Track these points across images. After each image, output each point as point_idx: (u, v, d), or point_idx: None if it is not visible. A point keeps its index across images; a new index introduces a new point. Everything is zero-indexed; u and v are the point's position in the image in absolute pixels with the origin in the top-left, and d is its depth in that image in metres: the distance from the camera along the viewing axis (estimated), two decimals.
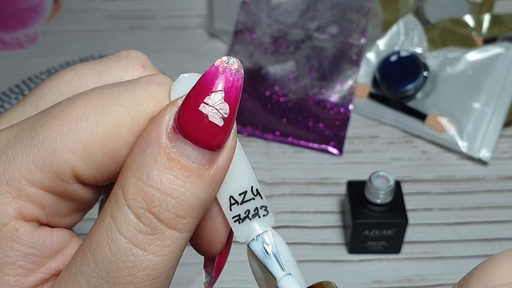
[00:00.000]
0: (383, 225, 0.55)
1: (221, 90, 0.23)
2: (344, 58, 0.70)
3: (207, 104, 0.23)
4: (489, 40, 0.72)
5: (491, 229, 0.60)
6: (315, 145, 0.66)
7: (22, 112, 0.26)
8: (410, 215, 0.58)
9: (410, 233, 0.58)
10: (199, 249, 0.27)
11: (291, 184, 0.63)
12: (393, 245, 0.57)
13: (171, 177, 0.23)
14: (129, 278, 0.23)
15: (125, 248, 0.22)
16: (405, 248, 0.58)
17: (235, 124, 0.24)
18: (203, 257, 0.57)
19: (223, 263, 0.28)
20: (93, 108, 0.24)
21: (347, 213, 0.57)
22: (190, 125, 0.23)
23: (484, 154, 0.64)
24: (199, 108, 0.23)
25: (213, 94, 0.23)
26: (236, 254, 0.59)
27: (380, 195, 0.54)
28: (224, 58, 0.23)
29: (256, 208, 0.26)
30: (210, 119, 0.23)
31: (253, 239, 0.26)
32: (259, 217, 0.27)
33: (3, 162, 0.23)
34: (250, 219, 0.26)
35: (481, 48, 0.68)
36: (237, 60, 0.23)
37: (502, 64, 0.67)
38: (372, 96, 0.69)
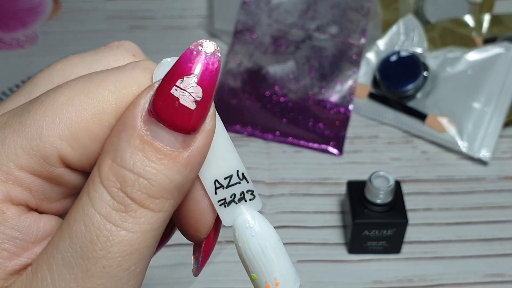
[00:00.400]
0: (383, 225, 0.55)
1: (193, 74, 0.23)
2: (344, 58, 0.70)
3: (178, 87, 0.23)
4: (489, 40, 0.72)
5: (491, 229, 0.60)
6: (315, 145, 0.66)
7: (16, 102, 0.27)
8: (410, 215, 0.58)
9: (410, 233, 0.58)
10: (186, 233, 0.27)
11: (291, 184, 0.63)
12: (393, 245, 0.57)
13: (143, 159, 0.23)
14: (102, 252, 0.23)
15: (99, 223, 0.23)
16: (405, 248, 0.58)
17: (213, 108, 0.24)
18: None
19: (211, 249, 0.28)
20: (78, 92, 0.24)
21: (347, 213, 0.57)
22: (162, 109, 0.23)
23: (484, 154, 0.64)
24: (171, 91, 0.23)
25: (185, 77, 0.23)
26: (235, 254, 0.59)
27: (380, 195, 0.54)
28: (200, 41, 0.23)
29: (242, 192, 0.26)
30: (181, 102, 0.23)
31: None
32: (245, 201, 0.27)
33: None
34: (236, 203, 0.26)
35: (481, 48, 0.68)
36: (214, 43, 0.23)
37: (502, 64, 0.67)
38: (372, 96, 0.69)
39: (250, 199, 0.27)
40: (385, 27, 0.73)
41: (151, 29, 0.79)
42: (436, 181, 0.63)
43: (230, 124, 0.67)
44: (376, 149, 0.66)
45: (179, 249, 0.57)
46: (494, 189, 0.63)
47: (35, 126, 0.24)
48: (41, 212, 0.26)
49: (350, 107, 0.68)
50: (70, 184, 0.25)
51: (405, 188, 0.61)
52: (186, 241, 0.62)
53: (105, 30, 0.79)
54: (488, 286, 0.56)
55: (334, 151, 0.66)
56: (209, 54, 0.23)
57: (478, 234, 0.59)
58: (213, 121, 0.24)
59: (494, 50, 0.67)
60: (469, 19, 0.72)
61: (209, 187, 0.26)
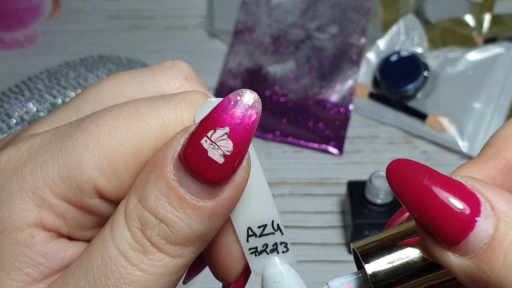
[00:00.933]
0: (383, 225, 0.55)
1: (225, 126, 0.22)
2: (344, 58, 0.70)
3: (209, 138, 0.22)
4: (490, 40, 0.72)
5: None
6: (315, 145, 0.66)
7: (63, 117, 0.26)
8: None
9: None
10: (215, 274, 0.27)
11: (291, 184, 0.63)
12: None
13: (166, 205, 0.22)
14: None
15: (116, 258, 0.23)
16: None
17: (246, 161, 0.23)
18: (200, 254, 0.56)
19: None
20: (121, 123, 0.24)
21: (347, 213, 0.57)
22: (191, 157, 0.22)
23: None
24: (201, 142, 0.22)
25: (218, 129, 0.22)
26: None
27: (380, 195, 0.54)
28: (240, 91, 0.22)
29: (275, 244, 0.26)
30: (208, 154, 0.22)
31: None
32: (278, 252, 0.26)
33: (31, 169, 0.24)
34: (268, 254, 0.26)
35: (481, 48, 0.68)
36: (254, 94, 0.22)
37: (502, 64, 0.66)
38: (372, 96, 0.69)
39: (283, 252, 0.26)
40: (385, 27, 0.73)
41: (151, 29, 0.79)
42: None
43: None
44: (376, 149, 0.66)
45: None
46: None
47: (75, 155, 0.23)
48: (73, 239, 0.25)
49: (350, 107, 0.68)
50: (104, 214, 0.25)
51: None
52: None
53: (104, 30, 0.79)
54: None
55: (334, 151, 0.66)
56: (246, 106, 0.22)
57: None
58: (245, 174, 0.23)
59: (494, 50, 0.67)
60: (469, 19, 0.72)
61: (242, 233, 0.25)
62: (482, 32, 0.72)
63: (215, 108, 0.22)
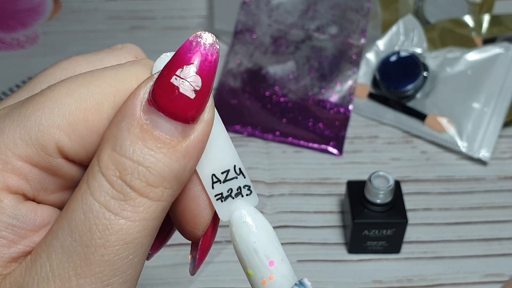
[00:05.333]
0: (383, 225, 0.55)
1: (193, 64, 0.23)
2: (344, 58, 0.70)
3: (178, 76, 0.23)
4: (489, 40, 0.72)
5: (491, 229, 0.60)
6: (315, 145, 0.66)
7: (18, 99, 0.27)
8: (409, 215, 0.58)
9: (410, 233, 0.59)
10: (184, 231, 0.27)
11: (291, 184, 0.63)
12: (393, 245, 0.57)
13: (143, 148, 0.23)
14: (101, 241, 0.23)
15: (98, 211, 0.23)
16: (404, 248, 0.58)
17: (211, 99, 0.24)
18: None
19: (208, 247, 0.28)
20: (78, 85, 0.25)
21: (347, 213, 0.57)
22: (163, 97, 0.23)
23: (483, 154, 0.64)
24: (171, 81, 0.23)
25: (185, 67, 0.23)
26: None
27: (380, 195, 0.54)
28: (199, 33, 0.24)
29: (239, 187, 0.27)
30: (181, 91, 0.23)
31: (296, 283, 0.26)
32: (242, 196, 0.27)
33: None
34: (233, 198, 0.27)
35: (480, 48, 0.68)
36: (213, 35, 0.24)
37: (501, 64, 0.67)
38: (372, 96, 0.69)
39: (247, 194, 0.27)
40: (385, 27, 0.73)
41: (151, 30, 0.79)
42: (436, 181, 0.64)
43: (230, 124, 0.68)
44: (376, 149, 0.66)
45: (180, 249, 0.57)
46: (493, 189, 0.63)
47: (35, 117, 0.24)
48: (38, 203, 0.26)
49: (350, 107, 0.69)
50: (68, 175, 0.26)
51: (404, 188, 0.61)
52: (187, 240, 0.62)
53: (105, 31, 0.79)
54: (487, 286, 0.56)
55: (334, 151, 0.66)
56: (208, 46, 0.24)
57: (478, 234, 0.59)
58: (212, 112, 0.24)
59: (493, 50, 0.68)
60: (468, 20, 0.72)
61: (207, 181, 0.26)
62: (481, 33, 0.72)
63: (178, 50, 0.24)
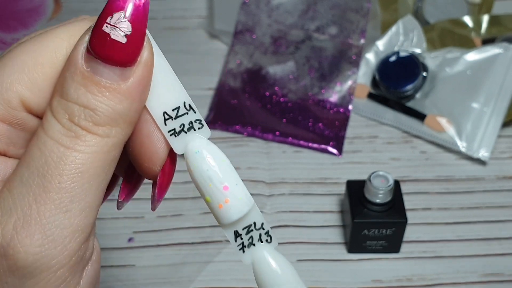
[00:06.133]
0: (383, 225, 0.55)
1: (122, 10, 0.25)
2: (343, 59, 0.71)
3: (109, 24, 0.25)
4: (488, 40, 0.72)
5: (490, 229, 0.60)
6: (315, 145, 0.66)
7: None
8: (409, 214, 0.58)
9: (409, 233, 0.59)
10: (142, 170, 0.29)
11: (291, 184, 0.63)
12: (392, 244, 0.57)
13: (86, 93, 0.25)
14: (57, 170, 0.25)
15: (52, 146, 0.25)
16: (404, 247, 0.58)
17: (147, 42, 0.26)
18: (202, 254, 0.57)
19: (167, 182, 0.30)
20: (33, 43, 0.27)
21: (347, 212, 0.57)
22: (97, 45, 0.25)
23: (483, 154, 0.64)
24: (102, 29, 0.25)
25: (114, 14, 0.25)
26: (236, 254, 0.59)
27: (379, 194, 0.54)
28: None
29: (191, 122, 0.28)
30: (112, 37, 0.25)
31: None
32: (194, 129, 0.28)
33: None
34: (186, 132, 0.28)
35: (480, 49, 0.68)
36: None
37: (501, 64, 0.67)
38: (371, 96, 0.70)
39: (199, 128, 0.28)
40: (384, 27, 0.73)
41: (152, 30, 0.78)
42: (435, 181, 0.64)
43: (230, 124, 0.68)
44: (376, 149, 0.67)
45: (180, 249, 0.58)
46: (493, 189, 0.63)
47: None
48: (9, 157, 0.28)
49: (350, 107, 0.69)
50: (34, 129, 0.28)
51: (404, 187, 0.62)
52: (186, 240, 0.62)
53: None
54: (487, 286, 0.56)
55: (334, 151, 0.66)
56: None
57: (477, 234, 0.60)
58: (149, 53, 0.26)
59: (493, 50, 0.68)
60: (468, 20, 0.72)
61: (159, 119, 0.28)
62: (480, 33, 0.72)
63: (108, 0, 0.25)
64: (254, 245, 0.29)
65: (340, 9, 0.73)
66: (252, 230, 0.29)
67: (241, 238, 0.29)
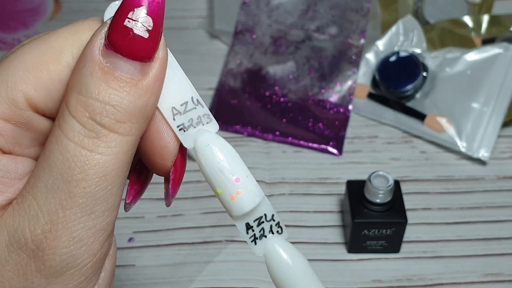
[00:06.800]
0: (383, 225, 0.55)
1: (142, 6, 0.25)
2: (343, 59, 0.71)
3: (131, 19, 0.25)
4: (488, 40, 0.72)
5: (490, 229, 0.60)
6: (315, 145, 0.66)
7: None
8: (409, 214, 0.58)
9: (409, 233, 0.59)
10: (154, 166, 0.29)
11: (291, 183, 0.63)
12: (392, 244, 0.57)
13: (107, 88, 0.25)
14: (81, 175, 0.25)
15: (74, 150, 0.25)
16: (404, 247, 0.58)
17: (163, 38, 0.26)
18: (202, 254, 0.57)
19: (179, 177, 0.30)
20: (37, 43, 0.27)
21: (347, 212, 0.57)
22: (119, 40, 0.25)
23: (483, 154, 0.64)
24: (124, 23, 0.25)
25: (135, 9, 0.25)
26: (236, 254, 0.59)
27: (379, 194, 0.54)
28: None
29: (199, 117, 0.28)
30: (135, 32, 0.25)
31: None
32: (203, 124, 0.29)
33: None
34: (194, 127, 0.28)
35: (480, 49, 0.68)
36: None
37: (501, 64, 0.67)
38: (371, 96, 0.70)
39: (207, 122, 0.29)
40: (384, 27, 0.73)
41: None
42: (435, 181, 0.64)
43: (230, 124, 0.68)
44: (376, 149, 0.67)
45: (180, 249, 0.58)
46: (493, 189, 0.63)
47: (2, 75, 0.26)
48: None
49: (350, 107, 0.69)
50: (40, 129, 0.28)
51: (404, 187, 0.62)
52: (186, 240, 0.62)
53: None
54: (486, 285, 0.56)
55: (334, 151, 0.66)
56: None
57: (477, 234, 0.60)
58: (165, 49, 0.26)
59: (493, 50, 0.68)
60: (468, 20, 0.72)
61: (168, 114, 0.28)
62: (480, 33, 0.72)
63: None
64: (265, 236, 0.29)
65: (340, 9, 0.73)
66: (263, 222, 0.29)
67: (253, 230, 0.29)
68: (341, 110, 0.69)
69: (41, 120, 0.28)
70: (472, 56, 0.68)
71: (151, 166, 0.29)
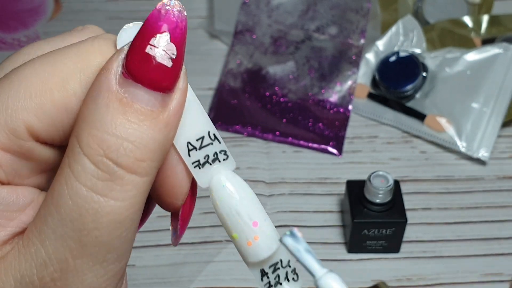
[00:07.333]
0: (382, 225, 0.55)
1: (166, 32, 0.23)
2: (343, 59, 0.71)
3: (153, 46, 0.23)
4: (488, 40, 0.72)
5: (490, 229, 0.60)
6: (315, 145, 0.66)
7: None
8: (409, 214, 0.58)
9: (409, 233, 0.59)
10: (163, 203, 0.27)
11: (291, 183, 0.63)
12: (392, 244, 0.57)
13: (125, 122, 0.23)
14: (94, 224, 0.23)
15: (86, 196, 0.23)
16: (404, 247, 0.58)
17: (184, 67, 0.24)
18: (202, 254, 0.57)
19: (188, 215, 0.28)
20: (41, 64, 0.24)
21: (347, 212, 0.57)
22: (139, 68, 0.23)
23: (482, 154, 0.64)
24: (146, 51, 0.23)
25: (158, 35, 0.23)
26: (236, 254, 0.59)
27: (379, 194, 0.54)
28: (165, 1, 0.23)
29: (216, 153, 0.26)
30: (158, 60, 0.23)
31: (286, 233, 0.25)
32: (219, 161, 0.26)
33: None
34: (210, 164, 0.26)
35: (480, 49, 0.68)
36: (179, 1, 0.24)
37: (500, 65, 0.67)
38: (371, 96, 0.70)
39: (224, 159, 0.27)
40: (384, 27, 0.73)
41: None
42: (435, 180, 0.64)
43: (230, 124, 0.68)
44: (376, 149, 0.67)
45: (180, 249, 0.58)
46: (492, 189, 0.63)
47: (1, 101, 0.24)
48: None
49: (350, 107, 0.69)
50: (41, 158, 0.25)
51: (404, 187, 0.62)
52: (186, 240, 0.63)
53: (106, 31, 0.79)
54: (486, 285, 0.56)
55: (334, 151, 0.66)
56: (177, 13, 0.23)
57: (477, 234, 0.60)
58: (186, 79, 0.24)
59: (492, 50, 0.68)
60: (468, 20, 0.72)
61: (183, 150, 0.26)
62: (480, 33, 0.72)
63: (147, 20, 0.23)
64: (280, 284, 0.27)
65: (340, 9, 0.73)
66: (278, 268, 0.27)
67: (268, 277, 0.27)
68: (341, 110, 0.69)
69: (43, 149, 0.25)
70: (472, 56, 0.68)
71: (159, 202, 0.27)
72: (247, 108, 0.69)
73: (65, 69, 0.24)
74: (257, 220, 0.26)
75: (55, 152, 0.26)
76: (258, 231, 0.26)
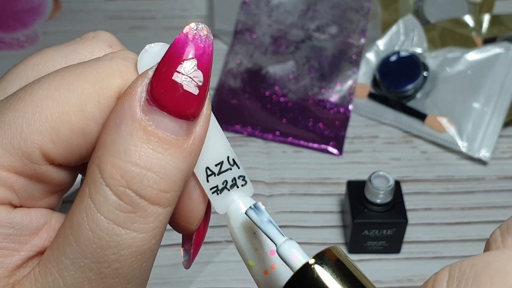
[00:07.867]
0: (383, 225, 0.55)
1: (193, 58, 0.22)
2: (344, 58, 0.70)
3: (180, 73, 0.22)
4: (489, 40, 0.72)
5: (491, 229, 0.59)
6: (315, 145, 0.66)
7: None
8: (409, 215, 0.58)
9: (410, 233, 0.59)
10: (176, 226, 0.27)
11: (291, 184, 0.63)
12: (393, 244, 0.57)
13: (150, 151, 0.22)
14: (114, 256, 0.22)
15: (107, 228, 0.22)
16: (404, 248, 0.58)
17: (208, 93, 0.23)
18: (202, 255, 0.57)
19: (202, 239, 0.28)
20: (57, 86, 0.23)
21: (347, 213, 0.57)
22: (165, 96, 0.22)
23: (483, 154, 0.64)
24: (173, 78, 0.22)
25: (185, 62, 0.22)
26: (236, 254, 0.59)
27: (380, 195, 0.54)
28: (193, 25, 0.23)
29: (234, 179, 0.26)
30: (185, 88, 0.22)
31: (251, 207, 0.25)
32: (238, 187, 0.26)
33: None
34: (229, 190, 0.26)
35: (480, 48, 0.68)
36: (206, 26, 0.23)
37: (501, 64, 0.67)
38: (372, 96, 0.69)
39: (242, 185, 0.26)
40: (385, 27, 0.73)
41: (152, 30, 0.79)
42: (436, 181, 0.64)
43: (230, 124, 0.68)
44: (376, 149, 0.66)
45: (179, 249, 0.57)
46: (493, 189, 0.63)
47: (15, 123, 0.23)
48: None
49: (350, 107, 0.69)
50: (55, 181, 0.25)
51: (404, 188, 0.61)
52: None
53: (105, 31, 0.79)
54: None
55: (334, 151, 0.66)
56: (204, 37, 0.23)
57: (478, 234, 0.59)
58: (209, 105, 0.23)
59: (493, 50, 0.68)
60: (468, 19, 0.72)
61: (201, 175, 0.25)
62: (481, 32, 0.72)
63: (173, 44, 0.23)
64: None
65: (340, 8, 0.72)
66: None
67: None
68: (341, 110, 0.68)
69: (57, 171, 0.24)
70: (473, 55, 0.68)
71: (173, 225, 0.26)
72: (247, 108, 0.69)
73: (83, 92, 0.23)
74: (275, 248, 0.25)
75: (69, 173, 0.25)
76: (276, 260, 0.26)
